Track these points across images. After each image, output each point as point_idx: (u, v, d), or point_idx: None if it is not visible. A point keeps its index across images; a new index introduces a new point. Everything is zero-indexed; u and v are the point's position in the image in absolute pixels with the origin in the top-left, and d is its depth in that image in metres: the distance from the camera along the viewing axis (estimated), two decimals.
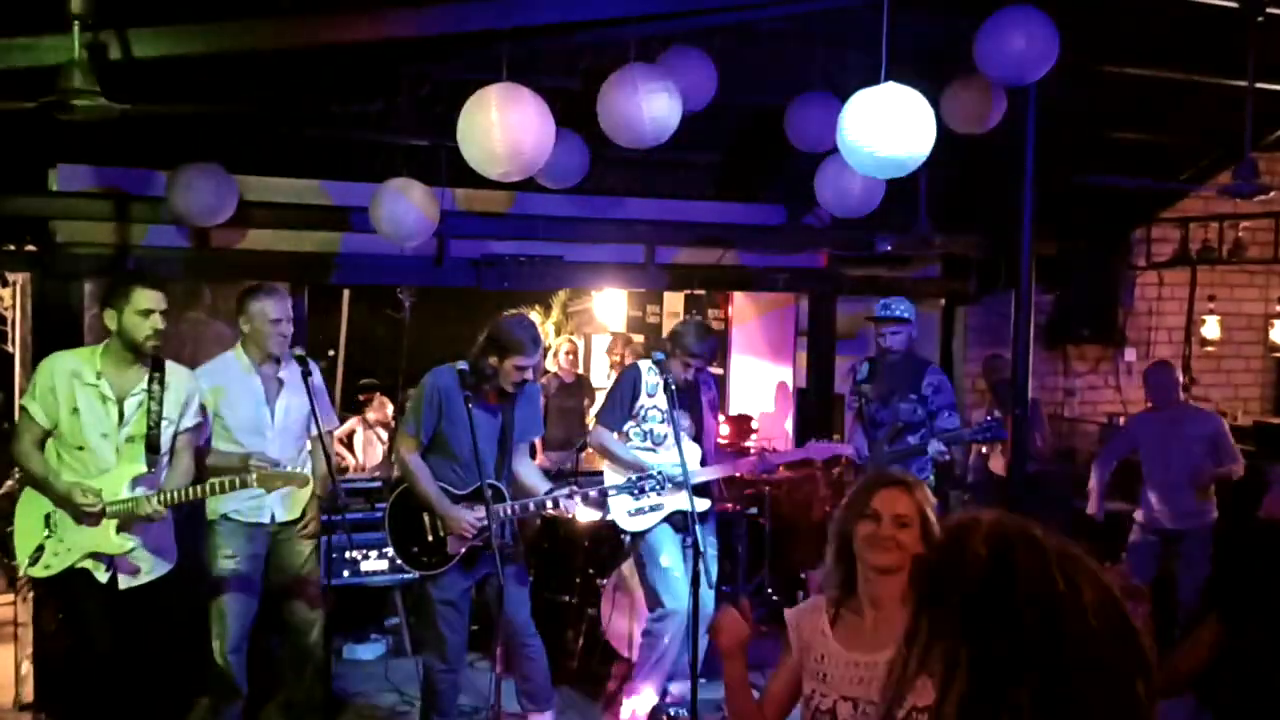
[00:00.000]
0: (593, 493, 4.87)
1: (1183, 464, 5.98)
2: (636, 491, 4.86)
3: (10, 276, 5.92)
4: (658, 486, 4.82)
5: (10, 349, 6.14)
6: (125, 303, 4.01)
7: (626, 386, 5.21)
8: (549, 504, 4.62)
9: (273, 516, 4.60)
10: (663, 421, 5.08)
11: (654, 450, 5.12)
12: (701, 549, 4.36)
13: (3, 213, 5.22)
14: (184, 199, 5.08)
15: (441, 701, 4.57)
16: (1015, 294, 5.02)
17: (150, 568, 4.17)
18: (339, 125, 5.43)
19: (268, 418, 4.59)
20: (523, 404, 4.62)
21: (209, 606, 4.53)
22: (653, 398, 5.10)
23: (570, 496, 4.66)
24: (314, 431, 4.47)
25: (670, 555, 5.05)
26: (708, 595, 4.86)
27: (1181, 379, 6.27)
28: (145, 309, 4.01)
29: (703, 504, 4.95)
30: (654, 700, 5.09)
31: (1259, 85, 4.92)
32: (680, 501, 4.87)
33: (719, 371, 8.45)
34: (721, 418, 7.52)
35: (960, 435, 5.28)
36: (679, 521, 5.05)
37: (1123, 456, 6.31)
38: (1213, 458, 5.98)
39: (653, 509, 5.05)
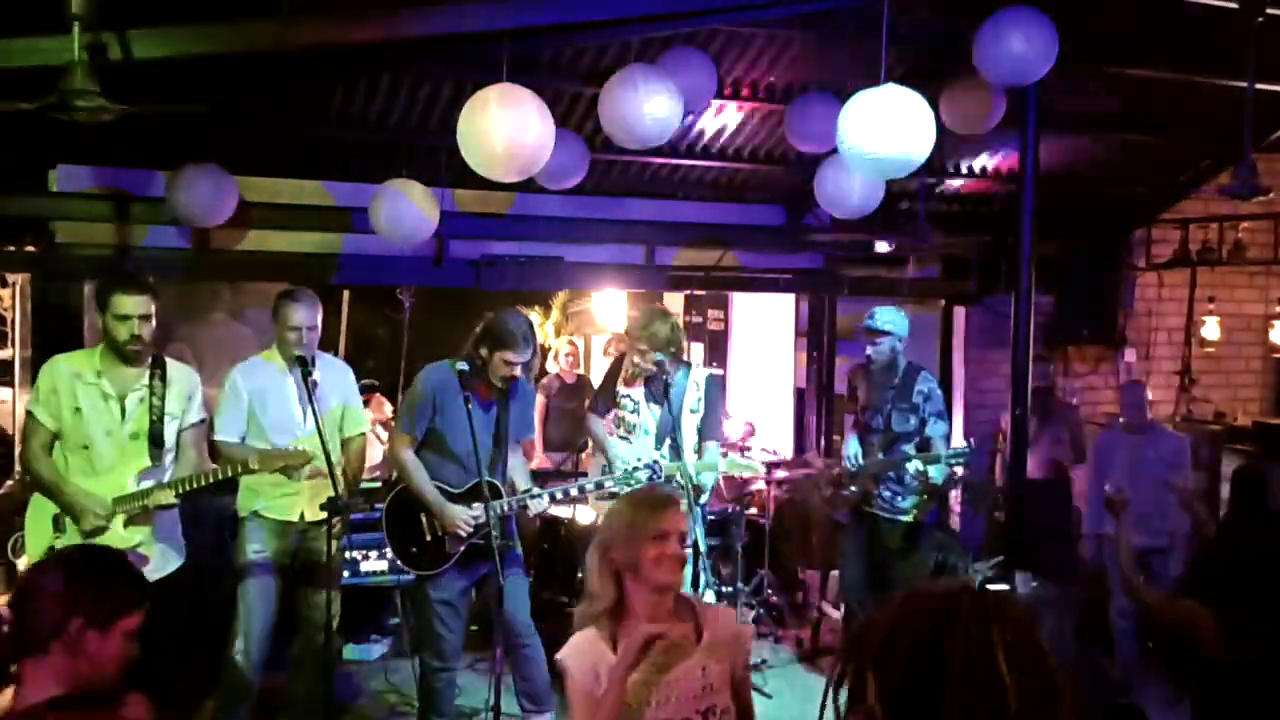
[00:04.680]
0: (590, 485, 4.86)
1: (1148, 486, 5.82)
2: (634, 483, 4.81)
3: (10, 277, 5.92)
4: (653, 476, 4.78)
5: (10, 349, 6.15)
6: (105, 306, 4.03)
7: (612, 374, 5.29)
8: (547, 499, 4.62)
9: (301, 515, 4.61)
10: (633, 411, 5.10)
11: (627, 440, 5.13)
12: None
13: (3, 213, 5.22)
14: (184, 199, 5.08)
15: (438, 700, 4.57)
16: (1015, 294, 5.03)
17: (159, 564, 4.17)
18: (339, 125, 5.43)
19: (299, 418, 4.61)
20: (516, 402, 4.63)
21: (235, 602, 4.55)
22: (629, 386, 5.13)
23: (566, 495, 4.73)
24: (320, 432, 4.46)
25: None
26: None
27: (1150, 397, 6.20)
28: (123, 314, 4.00)
29: None
30: None
31: (1259, 85, 4.93)
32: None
33: (719, 371, 8.45)
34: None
35: (936, 457, 5.25)
36: None
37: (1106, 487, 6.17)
38: (1175, 476, 5.88)
39: (612, 496, 4.96)
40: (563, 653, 2.67)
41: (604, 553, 2.68)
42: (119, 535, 4.04)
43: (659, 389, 4.97)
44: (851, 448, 5.56)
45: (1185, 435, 6.35)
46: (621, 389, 5.16)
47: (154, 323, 4.09)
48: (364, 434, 4.96)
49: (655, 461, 4.80)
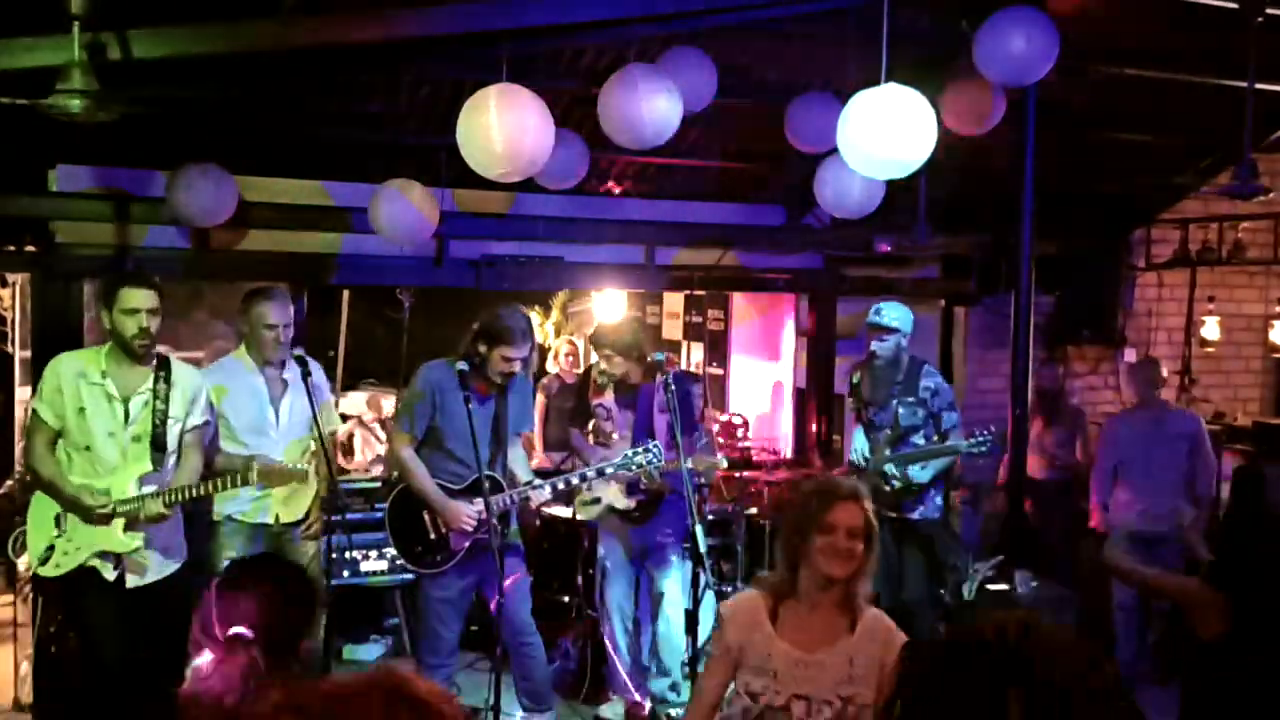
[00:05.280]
0: (591, 473, 4.87)
1: (1166, 464, 5.85)
2: (635, 468, 4.83)
3: (10, 277, 5.93)
4: (654, 460, 4.78)
5: (10, 349, 6.14)
6: (114, 302, 4.03)
7: (582, 387, 5.36)
8: (548, 490, 4.63)
9: (276, 517, 4.60)
10: (607, 419, 5.17)
11: (607, 446, 5.18)
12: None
13: (3, 213, 5.22)
14: (184, 199, 5.08)
15: None
16: (1015, 294, 5.03)
17: (158, 566, 4.17)
18: (339, 125, 5.43)
19: (272, 418, 4.60)
20: (514, 396, 4.63)
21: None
22: (599, 396, 5.17)
23: (568, 484, 4.78)
24: (315, 432, 4.48)
25: (613, 560, 5.20)
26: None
27: (1165, 375, 6.21)
28: (131, 308, 4.01)
29: (624, 502, 5.05)
30: (621, 706, 5.20)
31: (1259, 85, 4.92)
32: (611, 496, 5.04)
33: (718, 372, 8.45)
34: (724, 416, 7.53)
35: (957, 448, 5.26)
36: (627, 516, 5.12)
37: (1115, 463, 6.11)
38: (1193, 457, 5.87)
39: (594, 500, 5.17)
40: (725, 604, 2.91)
41: (785, 532, 2.83)
42: (119, 540, 4.04)
43: (629, 394, 5.02)
44: (858, 444, 5.56)
45: (1198, 415, 6.33)
46: (593, 400, 5.19)
47: (160, 318, 4.10)
48: (335, 431, 4.99)
49: (655, 445, 4.81)
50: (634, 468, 4.78)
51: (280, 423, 4.61)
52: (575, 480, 4.85)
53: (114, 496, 4.02)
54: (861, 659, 2.73)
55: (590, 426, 5.29)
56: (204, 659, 2.20)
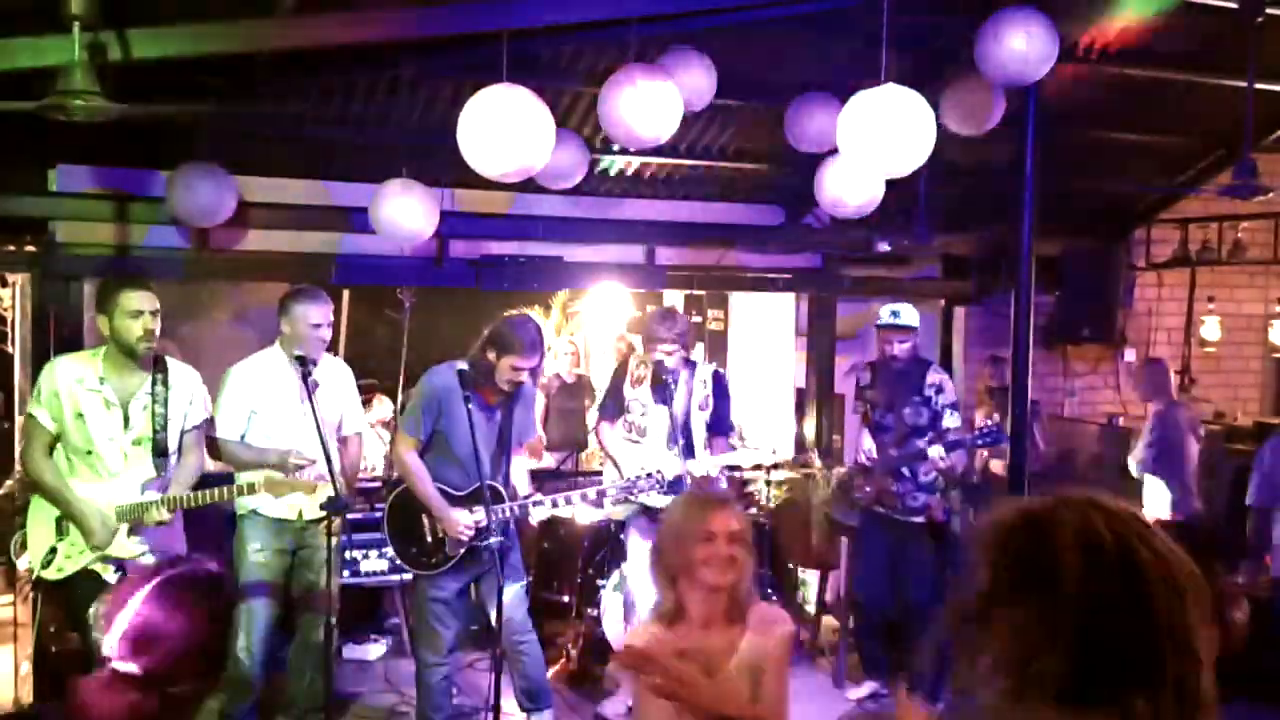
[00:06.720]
0: (591, 494, 4.87)
1: (1182, 459, 6.04)
2: (635, 493, 4.83)
3: (10, 277, 5.92)
4: (657, 486, 4.79)
5: (10, 349, 6.14)
6: (114, 306, 4.02)
7: (618, 378, 5.30)
8: (549, 506, 4.64)
9: (300, 514, 4.62)
10: (642, 415, 5.12)
11: (638, 442, 5.15)
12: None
13: (3, 213, 5.22)
14: (184, 199, 5.08)
15: (435, 695, 4.58)
16: (1015, 294, 5.03)
17: None
18: (339, 125, 5.43)
19: (302, 416, 4.60)
20: (519, 405, 4.63)
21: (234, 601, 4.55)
22: (636, 388, 5.14)
23: (570, 502, 4.75)
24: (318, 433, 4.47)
25: (641, 558, 5.14)
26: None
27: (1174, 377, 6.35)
28: (134, 310, 4.01)
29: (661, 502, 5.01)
30: (623, 706, 5.19)
31: (1259, 85, 4.93)
32: (649, 497, 4.96)
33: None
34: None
35: (962, 441, 5.28)
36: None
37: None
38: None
39: (625, 499, 5.16)
40: (625, 639, 2.83)
41: (658, 556, 2.77)
42: (123, 545, 4.05)
43: (666, 390, 4.99)
44: (866, 445, 5.56)
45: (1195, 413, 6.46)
46: (629, 392, 5.16)
47: (159, 319, 4.11)
48: (359, 433, 4.98)
49: (657, 470, 4.82)
50: (634, 494, 4.80)
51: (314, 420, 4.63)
52: (576, 499, 4.84)
53: (115, 501, 4.03)
54: (756, 657, 2.69)
55: (621, 420, 5.23)
56: (95, 675, 2.03)
